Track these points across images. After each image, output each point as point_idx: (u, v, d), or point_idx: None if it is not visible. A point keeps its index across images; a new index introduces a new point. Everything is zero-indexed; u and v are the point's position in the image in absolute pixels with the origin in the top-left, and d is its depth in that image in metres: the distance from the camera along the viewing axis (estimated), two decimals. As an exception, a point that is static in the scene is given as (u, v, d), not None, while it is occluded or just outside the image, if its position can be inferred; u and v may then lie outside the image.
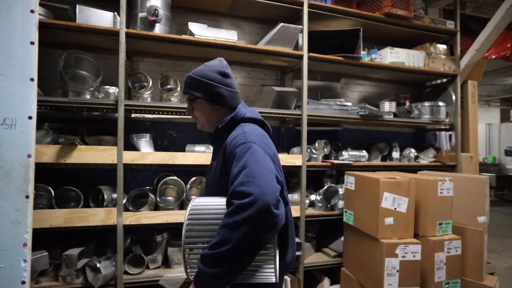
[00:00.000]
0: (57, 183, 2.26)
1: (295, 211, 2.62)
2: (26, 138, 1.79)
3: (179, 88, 2.51)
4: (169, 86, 2.57)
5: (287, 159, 2.65)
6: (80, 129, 2.47)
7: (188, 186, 2.40)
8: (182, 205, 2.49)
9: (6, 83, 1.77)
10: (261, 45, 2.68)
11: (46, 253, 2.10)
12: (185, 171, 2.58)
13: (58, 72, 2.50)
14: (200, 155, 2.37)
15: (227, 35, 2.51)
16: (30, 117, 1.81)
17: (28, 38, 1.88)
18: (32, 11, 1.90)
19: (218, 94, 1.22)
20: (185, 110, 2.58)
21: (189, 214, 1.08)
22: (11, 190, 1.74)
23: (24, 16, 1.87)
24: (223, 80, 1.23)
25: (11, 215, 1.72)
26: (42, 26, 1.94)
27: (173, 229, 2.60)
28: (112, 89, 2.38)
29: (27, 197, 1.77)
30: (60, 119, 2.53)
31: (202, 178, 2.51)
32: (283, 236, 1.16)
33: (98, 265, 2.15)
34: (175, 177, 2.41)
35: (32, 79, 1.85)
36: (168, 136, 2.84)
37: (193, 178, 2.45)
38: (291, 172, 3.11)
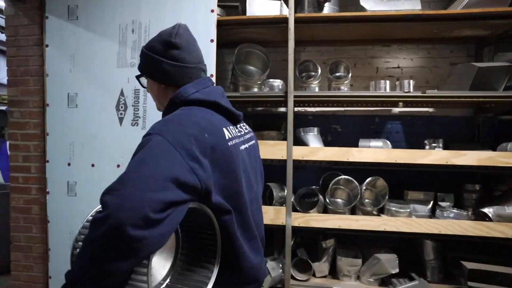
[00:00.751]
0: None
1: (509, 228, 1.91)
2: (207, 133, 1.84)
3: (349, 76, 2.20)
4: (338, 74, 2.29)
5: (498, 157, 1.96)
6: (248, 124, 2.48)
7: (364, 187, 2.05)
8: (353, 210, 2.16)
9: (192, 81, 1.86)
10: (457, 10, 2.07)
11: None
12: (355, 170, 2.25)
13: (228, 70, 2.61)
14: (378, 151, 1.99)
15: (408, 5, 2.05)
16: (210, 113, 1.86)
17: (208, 36, 1.96)
18: (212, 11, 1.97)
19: (159, 71, 0.98)
20: (354, 100, 2.28)
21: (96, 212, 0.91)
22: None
23: (206, 16, 1.96)
24: (168, 53, 0.97)
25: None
26: (217, 24, 1.98)
27: (341, 236, 2.31)
28: (277, 82, 2.29)
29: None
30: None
31: (377, 179, 2.11)
32: (229, 251, 0.92)
33: (266, 264, 2.07)
34: (348, 177, 2.11)
35: (211, 75, 1.92)
36: (332, 131, 2.57)
37: (369, 179, 2.07)
38: (493, 176, 2.34)
